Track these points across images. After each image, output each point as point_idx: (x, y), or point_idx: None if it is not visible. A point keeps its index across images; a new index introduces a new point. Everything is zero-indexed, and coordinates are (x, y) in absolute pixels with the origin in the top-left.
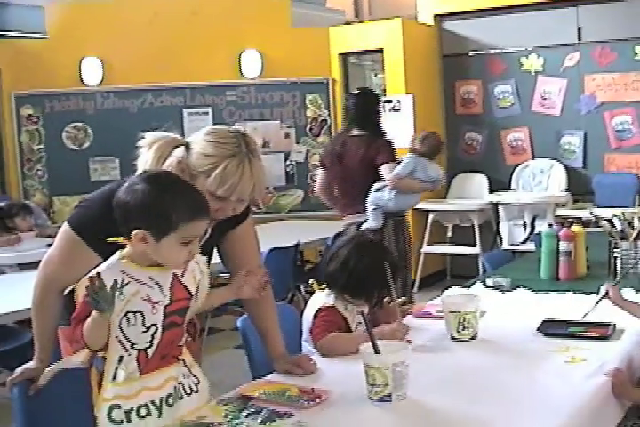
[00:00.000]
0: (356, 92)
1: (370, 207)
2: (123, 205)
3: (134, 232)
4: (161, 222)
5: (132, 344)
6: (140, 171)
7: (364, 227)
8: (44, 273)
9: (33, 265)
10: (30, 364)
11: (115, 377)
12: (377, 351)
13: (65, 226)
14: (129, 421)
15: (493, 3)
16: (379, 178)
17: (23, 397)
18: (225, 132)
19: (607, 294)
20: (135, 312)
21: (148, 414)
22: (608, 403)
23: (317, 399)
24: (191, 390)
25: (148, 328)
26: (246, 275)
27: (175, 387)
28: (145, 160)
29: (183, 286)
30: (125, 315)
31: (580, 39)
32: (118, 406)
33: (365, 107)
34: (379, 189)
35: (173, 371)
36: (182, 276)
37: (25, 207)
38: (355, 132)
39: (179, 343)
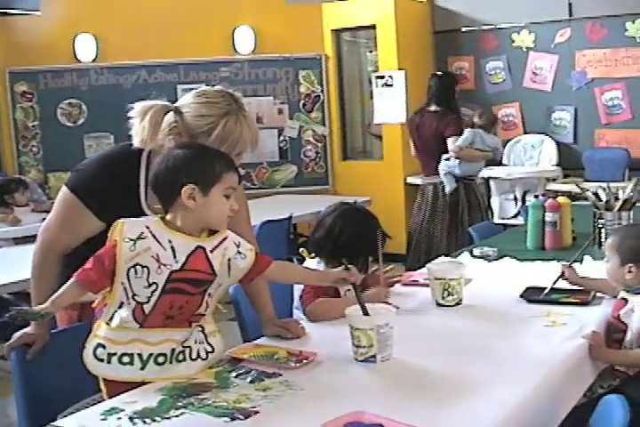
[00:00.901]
0: (438, 73)
1: (441, 173)
2: (165, 171)
3: (183, 189)
4: (207, 173)
5: (134, 295)
6: (135, 140)
7: (446, 190)
8: (43, 238)
9: (29, 239)
10: (28, 329)
11: (110, 320)
12: (366, 314)
13: (63, 189)
14: (109, 362)
15: None
16: (447, 148)
17: (21, 361)
18: (213, 92)
19: (563, 274)
20: (143, 266)
21: (130, 363)
22: (583, 363)
23: (304, 361)
24: (198, 357)
25: (149, 284)
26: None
27: (173, 349)
28: (141, 129)
29: (207, 261)
30: (134, 266)
31: (570, 15)
32: (103, 347)
33: (442, 87)
34: (447, 159)
35: (179, 334)
36: (212, 251)
37: (22, 182)
38: (432, 107)
39: (194, 311)
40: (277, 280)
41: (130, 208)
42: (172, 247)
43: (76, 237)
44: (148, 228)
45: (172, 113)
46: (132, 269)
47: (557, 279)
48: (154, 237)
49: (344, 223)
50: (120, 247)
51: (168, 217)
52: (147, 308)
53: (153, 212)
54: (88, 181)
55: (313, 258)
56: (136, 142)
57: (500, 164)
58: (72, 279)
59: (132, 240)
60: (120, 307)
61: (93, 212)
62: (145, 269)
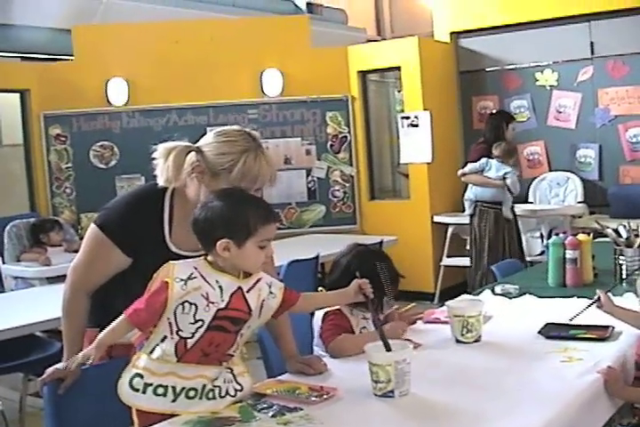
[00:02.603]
0: (492, 112)
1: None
2: (204, 222)
3: (219, 243)
4: (241, 229)
5: (179, 330)
6: (160, 179)
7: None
8: (72, 278)
9: (61, 278)
10: (60, 365)
11: (152, 352)
12: (388, 349)
13: (91, 227)
14: (144, 392)
15: (508, 20)
16: None
17: (54, 397)
18: (232, 131)
19: (599, 299)
20: (191, 304)
21: (163, 394)
22: (598, 399)
23: (325, 396)
24: (227, 393)
25: (196, 321)
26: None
27: (204, 385)
28: (165, 169)
29: (244, 300)
30: (182, 303)
31: (593, 53)
32: (141, 376)
33: (491, 123)
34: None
35: (210, 372)
36: (248, 291)
37: (56, 222)
38: (480, 139)
39: (227, 350)
40: (302, 311)
41: (155, 244)
42: (220, 287)
43: (105, 273)
44: (196, 268)
45: (193, 153)
46: (180, 306)
47: (591, 304)
48: (202, 277)
49: (359, 263)
50: (172, 287)
51: (209, 258)
52: (190, 343)
53: (177, 247)
54: (115, 218)
55: None
56: (161, 182)
57: (525, 201)
58: (121, 318)
59: (182, 280)
60: (163, 340)
61: (121, 248)
62: (193, 306)
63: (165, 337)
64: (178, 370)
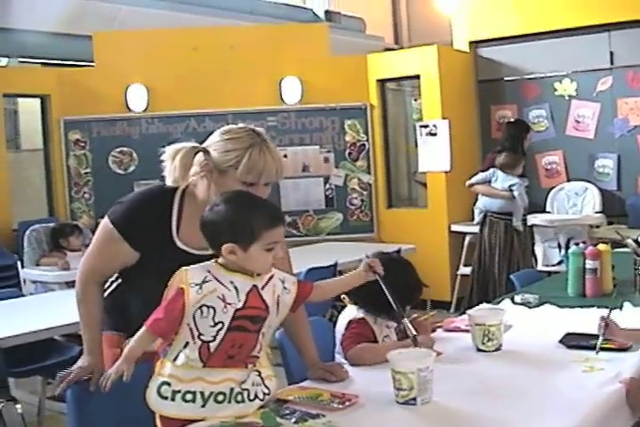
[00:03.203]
0: (511, 120)
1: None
2: (210, 225)
3: (224, 247)
4: (245, 234)
5: (200, 334)
6: (168, 180)
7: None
8: (84, 268)
9: None
10: (80, 362)
11: (176, 359)
12: (416, 344)
13: (104, 220)
14: (172, 399)
15: (527, 29)
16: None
17: (77, 399)
18: (236, 128)
19: (607, 325)
20: (209, 307)
21: (192, 400)
22: (620, 409)
23: (347, 403)
24: (255, 397)
25: (215, 324)
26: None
27: (232, 389)
28: (172, 169)
29: (260, 297)
30: (200, 307)
31: (612, 64)
32: (169, 384)
33: (508, 132)
34: None
35: (237, 375)
36: (262, 288)
37: (76, 227)
38: (497, 148)
39: (251, 351)
40: (319, 299)
41: (163, 240)
42: (235, 287)
43: (112, 265)
44: (209, 271)
45: (201, 153)
46: (199, 311)
47: (603, 333)
48: (216, 279)
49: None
50: (188, 293)
51: (221, 261)
52: (212, 346)
53: (184, 244)
54: (125, 212)
55: (354, 305)
56: (169, 182)
57: (543, 211)
58: (143, 330)
59: (197, 285)
60: (185, 346)
61: (128, 241)
62: (211, 309)
63: (188, 343)
64: (204, 375)
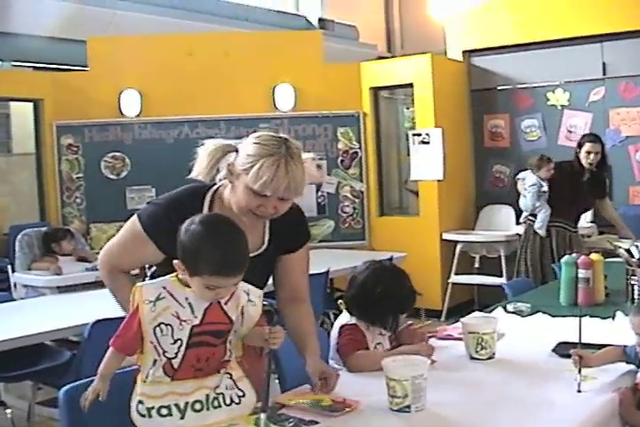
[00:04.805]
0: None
1: None
2: (179, 237)
3: (175, 261)
4: (191, 265)
5: (164, 352)
6: (193, 173)
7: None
8: (103, 258)
9: (71, 288)
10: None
11: (147, 376)
12: None
13: (133, 217)
14: (150, 416)
15: (520, 39)
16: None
17: (69, 405)
18: (269, 135)
19: (581, 359)
20: (166, 324)
21: (169, 414)
22: (612, 418)
23: (347, 409)
24: (231, 401)
25: (175, 341)
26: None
27: (207, 395)
28: (199, 162)
29: (223, 312)
30: (159, 325)
31: (604, 74)
32: (142, 403)
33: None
34: None
35: (210, 381)
36: (226, 303)
37: (68, 231)
38: None
39: (221, 359)
40: None
41: None
42: (189, 304)
43: (134, 262)
44: (164, 288)
45: (233, 153)
46: (158, 328)
47: (579, 368)
48: (171, 296)
49: (376, 281)
50: (142, 310)
51: (180, 275)
52: (175, 363)
53: None
54: (155, 213)
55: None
56: (192, 174)
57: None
58: (109, 349)
59: (151, 302)
60: (154, 364)
61: (155, 242)
62: (169, 326)
63: (156, 360)
64: (175, 388)
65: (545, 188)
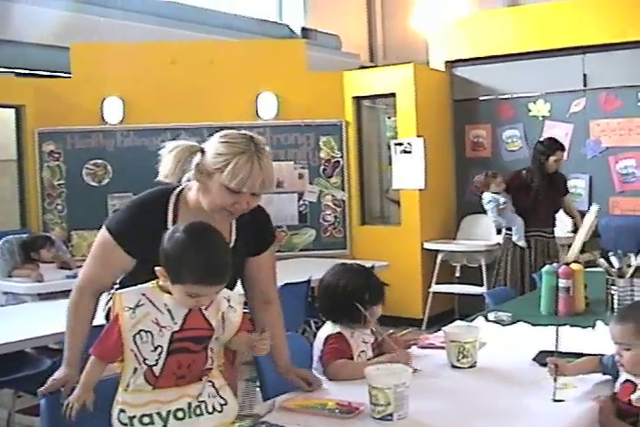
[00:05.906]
0: (540, 140)
1: None
2: (162, 244)
3: (157, 268)
4: (173, 273)
5: (145, 359)
6: (160, 175)
7: None
8: (82, 276)
9: (52, 295)
10: (56, 374)
11: (128, 385)
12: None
13: (102, 229)
14: (132, 425)
15: (502, 50)
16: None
17: (51, 410)
18: (235, 134)
19: (557, 367)
20: (146, 331)
21: (151, 423)
22: (593, 426)
23: (353, 412)
24: (214, 410)
25: (155, 348)
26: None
27: (190, 403)
28: (164, 163)
29: (203, 318)
30: (138, 332)
31: (585, 86)
32: (124, 411)
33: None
34: None
35: (193, 389)
36: (206, 309)
37: (48, 239)
38: None
39: (202, 367)
40: None
41: (159, 245)
42: (168, 310)
43: (109, 273)
44: (144, 295)
45: (199, 153)
46: (138, 336)
47: (555, 378)
48: (151, 302)
49: (339, 278)
50: (122, 317)
51: (160, 281)
52: (156, 370)
53: None
54: (121, 219)
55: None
56: (160, 176)
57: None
58: (91, 358)
59: (131, 309)
60: (135, 372)
61: (124, 249)
62: (149, 333)
63: (136, 369)
64: (157, 397)
65: (503, 199)
